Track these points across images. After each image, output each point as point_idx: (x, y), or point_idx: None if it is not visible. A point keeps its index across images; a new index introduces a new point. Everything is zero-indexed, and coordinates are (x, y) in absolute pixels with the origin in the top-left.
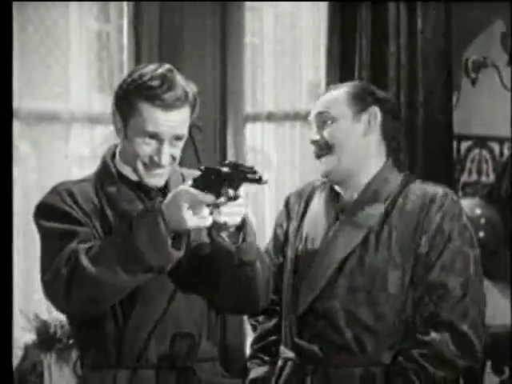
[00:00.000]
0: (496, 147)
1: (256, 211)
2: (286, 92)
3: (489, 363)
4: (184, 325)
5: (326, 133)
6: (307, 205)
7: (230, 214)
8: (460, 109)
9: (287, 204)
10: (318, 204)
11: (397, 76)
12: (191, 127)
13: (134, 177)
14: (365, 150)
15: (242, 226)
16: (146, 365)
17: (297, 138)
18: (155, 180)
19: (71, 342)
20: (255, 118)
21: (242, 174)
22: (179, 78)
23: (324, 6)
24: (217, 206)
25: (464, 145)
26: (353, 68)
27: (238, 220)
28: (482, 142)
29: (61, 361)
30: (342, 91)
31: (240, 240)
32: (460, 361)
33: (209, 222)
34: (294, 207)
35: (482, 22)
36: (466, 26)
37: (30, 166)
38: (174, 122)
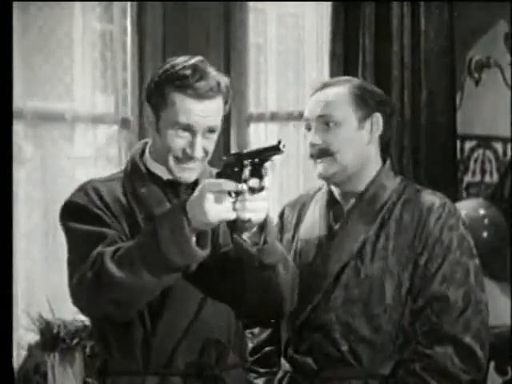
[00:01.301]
0: (499, 147)
1: None
2: (290, 92)
3: (492, 364)
4: (213, 332)
5: (328, 137)
6: (301, 216)
7: (255, 209)
8: (463, 109)
9: (282, 216)
10: (312, 215)
11: (400, 76)
12: None
13: (164, 174)
14: (366, 157)
15: (263, 225)
16: (174, 372)
17: (300, 138)
18: (187, 174)
19: (74, 342)
20: (259, 118)
21: (260, 151)
22: (211, 69)
23: (327, 6)
24: (240, 193)
25: (467, 145)
26: (356, 68)
27: (262, 216)
28: (485, 142)
29: (64, 361)
30: (345, 92)
31: (262, 241)
32: (464, 375)
33: (232, 215)
34: (288, 219)
35: (485, 22)
36: (469, 26)
37: (33, 166)
38: (207, 112)
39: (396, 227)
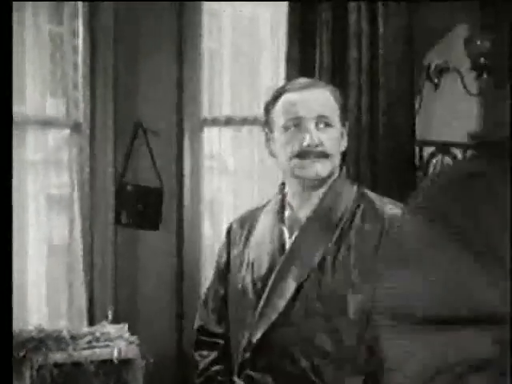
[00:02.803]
0: (459, 154)
1: (212, 221)
2: (245, 96)
3: None
4: None
5: (325, 138)
6: (251, 230)
7: None
8: (422, 114)
9: (229, 232)
10: (263, 226)
11: (358, 80)
12: (146, 132)
13: None
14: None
15: None
16: None
17: (255, 143)
18: None
19: (21, 355)
20: (213, 122)
21: None
22: None
23: (283, 9)
24: None
25: (426, 151)
26: (313, 72)
27: None
28: (444, 148)
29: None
30: (330, 95)
31: None
32: None
33: None
34: (237, 234)
35: (444, 27)
36: (428, 31)
37: None
38: None
39: (357, 237)
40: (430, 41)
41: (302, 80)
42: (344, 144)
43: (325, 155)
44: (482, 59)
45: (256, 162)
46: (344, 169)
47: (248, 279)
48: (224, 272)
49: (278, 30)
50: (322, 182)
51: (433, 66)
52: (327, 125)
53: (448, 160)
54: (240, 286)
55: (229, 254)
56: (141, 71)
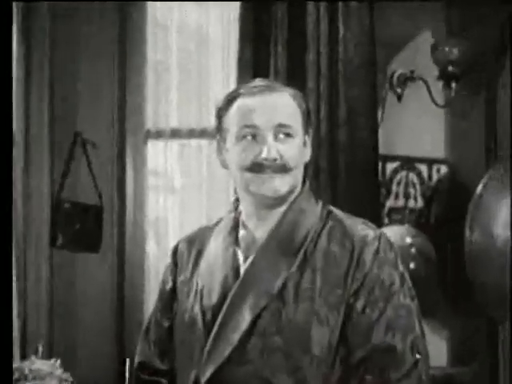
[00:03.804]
0: (424, 170)
1: (158, 241)
2: (192, 107)
3: None
4: None
5: (286, 151)
6: (200, 252)
7: None
8: (384, 126)
9: (175, 253)
10: (215, 248)
11: (316, 88)
12: (85, 143)
13: None
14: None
15: None
16: None
17: (204, 157)
18: None
19: None
20: (158, 135)
21: None
22: None
23: (235, 8)
24: None
25: (389, 166)
26: (267, 76)
27: None
28: (408, 163)
29: None
30: (291, 100)
31: None
32: None
33: None
34: (184, 256)
35: (407, 33)
36: (391, 37)
37: None
38: None
39: (323, 262)
40: (394, 46)
41: (259, 82)
42: (308, 153)
43: (284, 169)
44: (451, 67)
45: (205, 179)
46: (307, 182)
47: (197, 308)
48: (169, 300)
49: (229, 32)
50: (281, 199)
51: (396, 75)
52: (287, 135)
53: (413, 176)
54: (187, 316)
55: (175, 278)
56: (80, 78)
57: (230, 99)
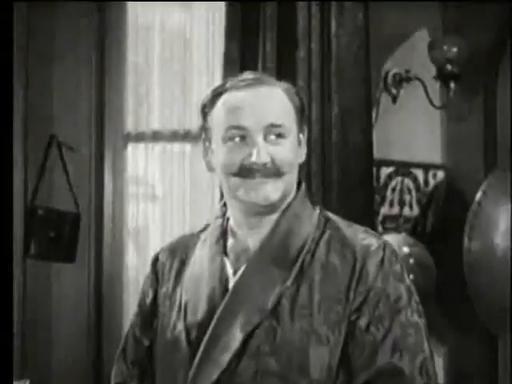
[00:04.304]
0: (420, 175)
1: (138, 251)
2: (175, 108)
3: None
4: None
5: (278, 153)
6: (184, 263)
7: None
8: (379, 129)
9: (155, 264)
10: (199, 260)
11: (307, 87)
12: (61, 147)
13: None
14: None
15: None
16: None
17: (187, 161)
18: None
19: None
20: (138, 137)
21: None
22: None
23: (220, 16)
24: None
25: (384, 171)
26: None
27: None
28: (404, 168)
29: None
30: (284, 95)
31: None
32: None
33: None
34: (165, 268)
35: (403, 32)
36: (385, 35)
37: None
38: None
39: (322, 274)
40: (389, 44)
41: (249, 75)
42: (303, 154)
43: (277, 173)
44: (449, 66)
45: (188, 185)
46: (303, 185)
47: (180, 326)
48: (149, 314)
49: (214, 30)
50: (273, 207)
51: (391, 75)
52: (279, 135)
53: (408, 182)
54: (169, 334)
55: (155, 292)
56: (56, 79)
57: (216, 94)
